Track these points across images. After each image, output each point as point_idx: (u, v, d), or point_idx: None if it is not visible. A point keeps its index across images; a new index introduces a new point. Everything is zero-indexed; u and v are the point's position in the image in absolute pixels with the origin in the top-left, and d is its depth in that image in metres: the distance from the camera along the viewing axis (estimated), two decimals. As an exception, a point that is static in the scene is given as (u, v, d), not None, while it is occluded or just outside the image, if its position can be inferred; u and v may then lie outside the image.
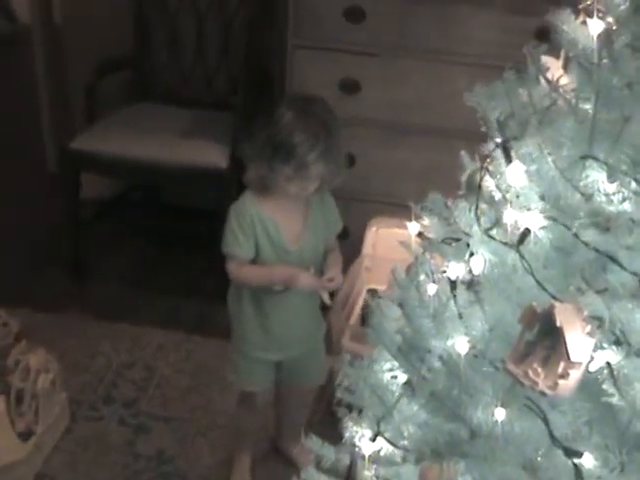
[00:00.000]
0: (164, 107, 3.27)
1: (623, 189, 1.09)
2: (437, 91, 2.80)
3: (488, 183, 1.15)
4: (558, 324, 1.01)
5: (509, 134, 1.12)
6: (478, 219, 1.14)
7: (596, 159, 1.10)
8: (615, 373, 0.99)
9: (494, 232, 1.15)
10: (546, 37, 2.74)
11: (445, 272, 1.26)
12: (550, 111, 1.13)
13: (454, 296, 1.24)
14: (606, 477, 1.04)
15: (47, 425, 2.50)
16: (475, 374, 1.13)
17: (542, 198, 1.12)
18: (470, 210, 1.17)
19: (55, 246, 3.43)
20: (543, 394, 1.03)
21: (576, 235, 1.09)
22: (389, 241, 2.99)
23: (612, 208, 1.10)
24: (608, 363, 0.99)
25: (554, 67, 1.32)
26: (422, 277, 1.27)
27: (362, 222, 2.98)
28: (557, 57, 1.34)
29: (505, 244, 1.12)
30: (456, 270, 1.24)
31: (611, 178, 1.10)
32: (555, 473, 1.07)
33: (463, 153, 1.33)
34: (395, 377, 1.37)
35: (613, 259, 1.07)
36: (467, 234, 1.17)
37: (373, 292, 2.88)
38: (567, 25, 1.24)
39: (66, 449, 2.53)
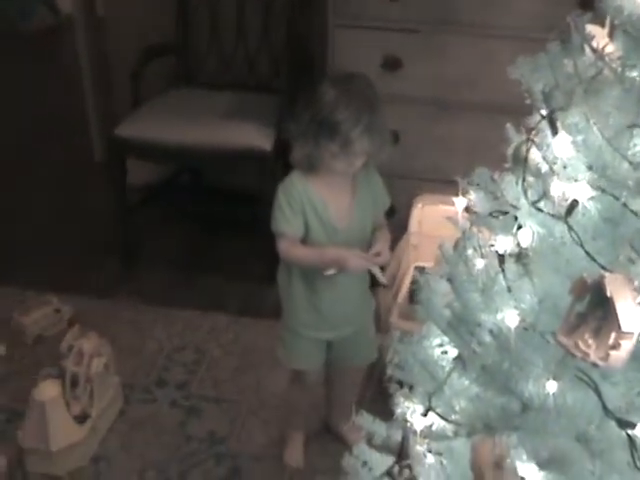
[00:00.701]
0: (207, 92, 3.28)
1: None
2: (480, 66, 2.78)
3: (534, 155, 1.14)
4: (608, 294, 1.00)
5: (554, 105, 1.11)
6: (525, 192, 1.14)
7: (642, 127, 1.08)
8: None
9: (542, 204, 1.14)
10: (590, 6, 2.70)
11: (493, 246, 1.26)
12: (596, 80, 1.11)
13: (502, 270, 1.24)
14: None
15: (101, 408, 2.55)
16: (525, 347, 1.13)
17: (589, 168, 1.10)
18: (517, 183, 1.16)
19: (104, 233, 3.48)
20: (595, 365, 1.02)
21: (625, 205, 1.08)
22: (435, 218, 2.98)
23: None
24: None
25: (599, 36, 1.29)
26: (470, 251, 1.26)
27: (408, 199, 2.97)
28: (602, 26, 1.32)
29: (553, 216, 1.11)
30: (504, 243, 1.24)
31: (660, 146, 1.08)
32: (608, 444, 1.07)
33: (509, 126, 1.32)
34: (445, 352, 1.37)
35: (663, 228, 1.06)
36: (514, 207, 1.16)
37: (420, 269, 2.87)
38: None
39: (120, 431, 2.58)
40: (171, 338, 2.95)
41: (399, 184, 3.02)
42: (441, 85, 2.85)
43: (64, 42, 5.07)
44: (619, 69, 1.11)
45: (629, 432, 1.05)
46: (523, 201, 1.15)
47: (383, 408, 2.66)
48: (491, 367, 1.16)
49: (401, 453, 1.32)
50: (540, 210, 1.12)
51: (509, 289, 1.20)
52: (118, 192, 3.19)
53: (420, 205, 3.01)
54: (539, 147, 1.12)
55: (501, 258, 1.24)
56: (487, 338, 1.17)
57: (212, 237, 3.48)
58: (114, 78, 3.67)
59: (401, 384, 1.58)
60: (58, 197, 3.85)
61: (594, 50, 1.10)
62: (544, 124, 1.12)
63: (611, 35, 1.27)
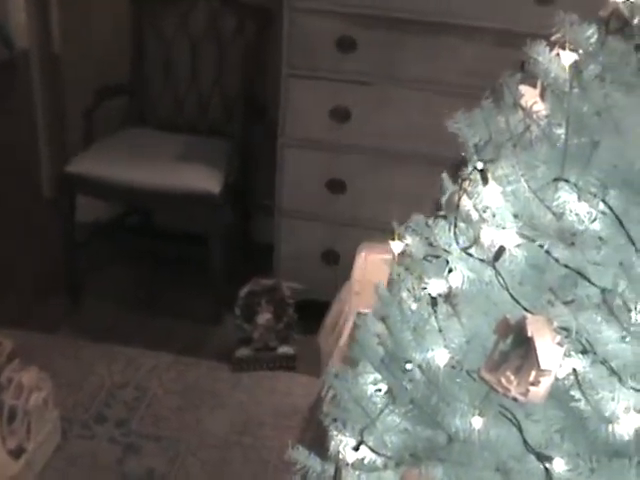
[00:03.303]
0: (159, 133, 3.34)
1: (592, 209, 1.16)
2: (426, 119, 2.88)
3: (466, 203, 1.22)
4: (529, 334, 1.08)
5: (485, 157, 1.19)
6: (456, 237, 1.21)
7: (567, 181, 1.17)
8: (580, 379, 1.05)
9: (472, 250, 1.22)
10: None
11: (425, 288, 1.33)
12: (525, 136, 1.20)
13: (435, 311, 1.31)
14: (566, 476, 1.10)
15: (38, 443, 2.54)
16: (453, 384, 1.19)
17: (517, 217, 1.18)
18: (449, 229, 1.24)
19: (51, 268, 3.48)
20: (515, 400, 1.09)
21: (548, 252, 1.16)
22: (378, 266, 3.05)
23: (582, 227, 1.16)
24: (574, 369, 1.05)
25: (530, 95, 1.39)
26: (404, 293, 1.33)
27: (352, 247, 3.03)
28: (534, 86, 1.42)
29: (482, 261, 1.18)
30: (436, 286, 1.31)
31: (581, 199, 1.17)
32: (528, 477, 1.13)
33: (444, 175, 1.40)
34: (379, 390, 1.42)
35: (582, 275, 1.14)
36: (446, 251, 1.24)
37: (362, 315, 2.94)
38: (542, 56, 1.32)
39: (57, 467, 2.57)
40: (112, 375, 2.96)
41: (344, 232, 3.11)
42: (387, 137, 2.95)
43: (18, 77, 5.10)
44: (546, 126, 1.20)
45: (547, 465, 1.12)
46: (454, 246, 1.22)
47: (321, 450, 2.71)
48: (419, 402, 1.22)
49: (333, 485, 1.36)
50: (470, 255, 1.20)
51: (440, 329, 1.27)
52: (66, 228, 3.21)
53: (363, 253, 3.07)
54: (470, 196, 1.20)
55: (433, 300, 1.32)
56: (416, 374, 1.23)
57: (159, 276, 3.51)
58: (68, 115, 3.70)
59: (336, 420, 1.63)
60: (4, 231, 3.84)
61: (523, 108, 1.18)
62: (475, 175, 1.19)
63: (542, 95, 1.37)
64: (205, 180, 3.06)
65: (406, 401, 1.23)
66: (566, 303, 1.07)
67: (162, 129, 3.35)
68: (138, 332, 3.18)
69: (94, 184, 3.07)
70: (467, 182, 1.21)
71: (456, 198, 1.23)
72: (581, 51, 1.23)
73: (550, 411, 1.19)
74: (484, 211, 1.19)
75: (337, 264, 3.16)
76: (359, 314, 2.93)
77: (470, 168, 1.23)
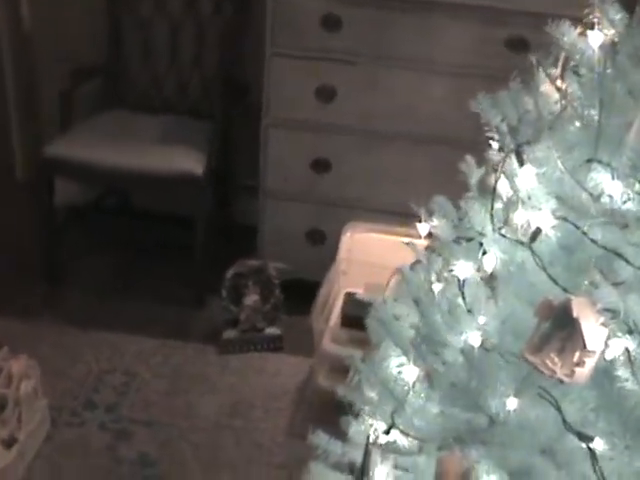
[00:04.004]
0: (138, 114, 3.28)
1: (627, 190, 1.16)
2: (413, 99, 2.88)
3: (500, 185, 1.22)
4: (575, 316, 1.08)
5: (521, 139, 1.19)
6: (492, 219, 1.21)
7: (600, 162, 1.17)
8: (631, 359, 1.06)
9: (505, 231, 1.22)
10: (518, 47, 2.84)
11: (452, 271, 1.33)
12: (559, 117, 1.20)
13: (462, 293, 1.31)
14: (617, 458, 1.11)
15: (29, 432, 2.50)
16: (490, 366, 1.19)
17: (552, 198, 1.18)
18: (484, 211, 1.23)
19: (30, 253, 3.41)
20: (561, 381, 1.09)
21: (584, 233, 1.16)
22: (364, 245, 3.06)
23: (617, 207, 1.17)
24: (627, 350, 1.05)
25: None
26: (433, 276, 1.32)
27: (338, 227, 3.03)
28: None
29: (519, 242, 1.18)
30: (465, 269, 1.31)
31: (614, 179, 1.17)
32: (570, 457, 1.14)
33: (469, 158, 1.39)
34: (401, 372, 1.42)
35: (620, 255, 1.14)
36: (481, 234, 1.23)
37: (350, 295, 2.94)
38: (567, 36, 1.32)
39: (48, 456, 2.53)
40: (99, 361, 2.92)
41: (330, 211, 3.10)
42: (373, 117, 2.94)
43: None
44: (579, 108, 1.20)
45: (589, 445, 1.13)
46: (489, 228, 1.22)
47: (313, 431, 2.71)
48: (458, 385, 1.22)
49: (364, 470, 1.36)
50: (505, 237, 1.20)
51: (470, 311, 1.27)
52: (45, 212, 3.15)
53: (349, 233, 3.07)
54: (506, 177, 1.19)
55: (460, 282, 1.31)
56: (456, 357, 1.23)
57: (139, 259, 3.45)
58: (41, 97, 3.62)
59: (351, 405, 1.63)
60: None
61: (559, 89, 1.18)
62: (511, 156, 1.19)
63: (562, 76, 1.37)
64: (188, 162, 3.02)
65: (443, 384, 1.23)
66: (613, 284, 1.08)
67: (141, 110, 3.29)
68: (121, 317, 3.13)
69: (74, 167, 3.01)
70: (503, 164, 1.20)
71: (490, 180, 1.22)
72: (612, 31, 1.23)
73: (585, 391, 1.19)
74: (519, 192, 1.19)
75: (323, 244, 3.15)
76: (348, 293, 2.94)
77: (505, 150, 1.22)
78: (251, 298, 3.00)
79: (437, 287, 1.31)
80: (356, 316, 2.77)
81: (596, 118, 1.19)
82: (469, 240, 1.27)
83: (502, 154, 1.23)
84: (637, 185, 1.16)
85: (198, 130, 3.18)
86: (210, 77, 3.28)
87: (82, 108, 3.26)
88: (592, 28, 1.28)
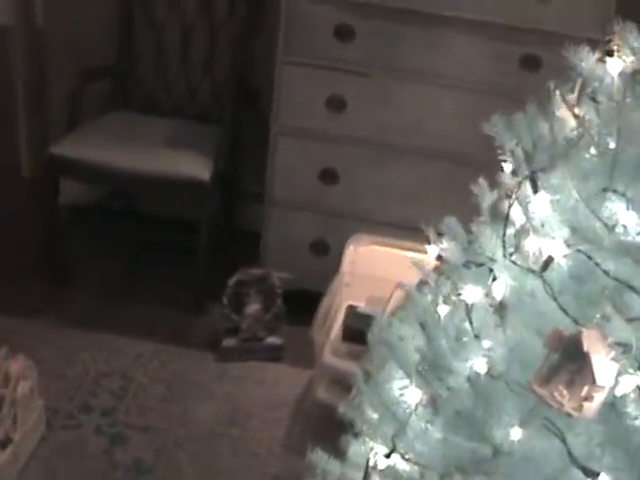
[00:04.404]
0: (147, 117, 3.26)
1: (642, 221, 1.14)
2: (424, 113, 2.86)
3: (513, 210, 1.20)
4: (585, 349, 1.06)
5: (536, 165, 1.17)
6: (504, 245, 1.19)
7: (615, 192, 1.16)
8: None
9: (515, 258, 1.20)
10: (531, 65, 2.82)
11: (460, 295, 1.31)
12: (575, 144, 1.18)
13: (469, 318, 1.29)
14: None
15: (24, 433, 2.47)
16: (496, 395, 1.17)
17: (565, 227, 1.16)
18: (496, 236, 1.21)
19: (32, 252, 3.40)
20: (569, 415, 1.07)
21: (597, 264, 1.14)
22: (368, 258, 3.04)
23: (631, 239, 1.15)
24: (638, 387, 1.03)
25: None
26: (440, 299, 1.31)
27: (343, 238, 3.01)
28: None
29: (530, 270, 1.16)
30: (473, 294, 1.29)
31: (629, 209, 1.15)
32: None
33: (481, 180, 1.37)
34: (403, 394, 1.40)
35: (632, 288, 1.12)
36: (492, 259, 1.21)
37: (352, 308, 2.92)
38: (586, 62, 1.30)
39: (43, 457, 2.51)
40: (97, 363, 2.89)
41: (335, 223, 3.09)
42: (383, 129, 2.92)
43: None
44: (596, 135, 1.18)
45: (594, 480, 1.11)
46: (500, 254, 1.20)
47: (310, 444, 2.69)
48: (463, 412, 1.20)
49: (361, 492, 1.34)
50: (517, 264, 1.18)
51: (477, 337, 1.25)
52: (49, 211, 3.13)
53: (354, 245, 3.05)
54: (520, 203, 1.17)
55: (468, 307, 1.30)
56: (461, 384, 1.21)
57: (144, 263, 3.42)
58: (50, 95, 3.60)
59: (351, 424, 1.61)
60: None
61: (576, 116, 1.16)
62: (525, 182, 1.17)
63: (578, 102, 1.35)
64: (195, 166, 3.00)
65: (449, 411, 1.21)
66: (628, 319, 1.06)
67: (149, 113, 3.28)
68: (122, 320, 3.11)
69: (80, 167, 2.99)
70: (517, 190, 1.18)
71: (503, 205, 1.21)
72: (632, 58, 1.21)
73: (591, 425, 1.17)
74: (532, 219, 1.17)
75: (326, 255, 3.13)
76: (350, 306, 2.92)
77: (520, 175, 1.20)
78: (253, 307, 2.98)
79: (444, 311, 1.29)
80: (358, 330, 2.76)
81: (612, 147, 1.17)
82: (479, 265, 1.25)
83: (516, 178, 1.21)
84: (652, 216, 1.14)
85: (206, 134, 3.16)
86: (221, 80, 3.26)
87: (90, 108, 3.25)
88: (611, 55, 1.27)
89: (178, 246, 3.33)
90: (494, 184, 1.47)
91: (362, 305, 2.89)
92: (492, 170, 2.99)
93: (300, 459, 2.66)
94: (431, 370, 1.26)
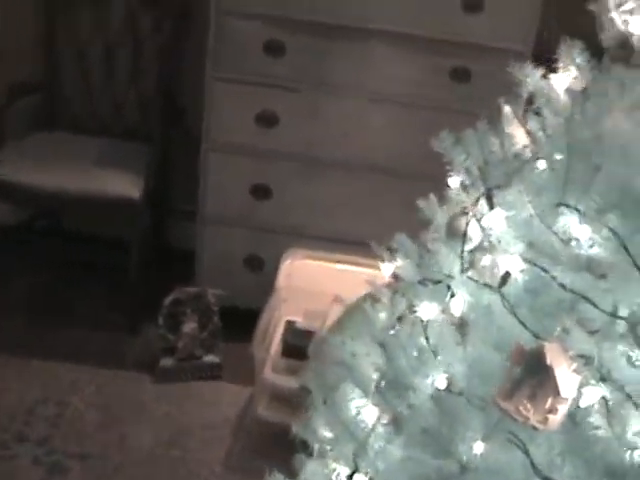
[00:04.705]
0: (74, 136, 3.19)
1: (594, 234, 1.17)
2: (352, 127, 2.88)
3: (469, 227, 1.21)
4: (548, 362, 1.08)
5: (491, 182, 1.19)
6: (463, 262, 1.20)
7: (568, 206, 1.18)
8: (603, 407, 1.06)
9: (472, 274, 1.21)
10: (461, 77, 2.87)
11: (416, 312, 1.32)
12: (528, 160, 1.20)
13: (427, 336, 1.30)
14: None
15: (-44, 466, 2.39)
16: (459, 411, 1.18)
17: (521, 242, 1.18)
18: (453, 253, 1.22)
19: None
20: (535, 428, 1.09)
21: (553, 277, 1.16)
22: (304, 272, 3.03)
23: (584, 252, 1.18)
24: (604, 398, 1.06)
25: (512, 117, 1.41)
26: (396, 318, 1.31)
27: (277, 253, 3.01)
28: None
29: (488, 286, 1.18)
30: (430, 310, 1.30)
31: (582, 223, 1.18)
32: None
33: (432, 197, 1.38)
34: (360, 413, 1.40)
35: (588, 300, 1.15)
36: (449, 276, 1.22)
37: (291, 323, 2.91)
38: (531, 78, 1.33)
39: (-24, 491, 2.44)
40: (30, 391, 2.81)
41: (269, 238, 3.07)
42: (315, 144, 2.92)
43: None
44: (547, 151, 1.20)
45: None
46: (457, 271, 1.22)
47: (251, 462, 2.67)
48: (428, 429, 1.20)
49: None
50: (475, 280, 1.19)
51: (434, 354, 1.26)
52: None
53: (289, 260, 3.04)
54: (476, 220, 1.19)
55: (425, 324, 1.31)
56: (422, 401, 1.21)
57: (72, 283, 3.33)
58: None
59: (305, 444, 1.60)
60: None
61: (529, 133, 1.19)
62: (481, 199, 1.19)
63: (524, 117, 1.38)
64: (124, 185, 2.96)
65: (413, 428, 1.22)
66: (590, 331, 1.08)
67: (76, 132, 3.21)
68: (53, 344, 3.02)
69: (8, 188, 2.92)
70: (473, 206, 1.20)
71: (459, 222, 1.22)
72: (576, 74, 1.24)
73: (552, 435, 1.19)
74: (489, 236, 1.19)
75: (261, 270, 3.11)
76: (289, 322, 2.91)
77: (475, 192, 1.22)
78: (189, 326, 2.94)
79: (402, 328, 1.30)
80: (297, 345, 2.76)
81: (562, 162, 1.20)
82: (436, 282, 1.26)
83: (471, 195, 1.23)
84: (604, 230, 1.16)
85: (134, 152, 3.11)
86: (147, 98, 3.21)
87: (17, 126, 3.16)
88: (556, 71, 1.30)
89: (108, 266, 3.26)
90: (442, 200, 1.49)
91: (300, 320, 2.87)
92: (422, 183, 3.03)
93: (241, 478, 2.66)
94: (391, 388, 1.26)
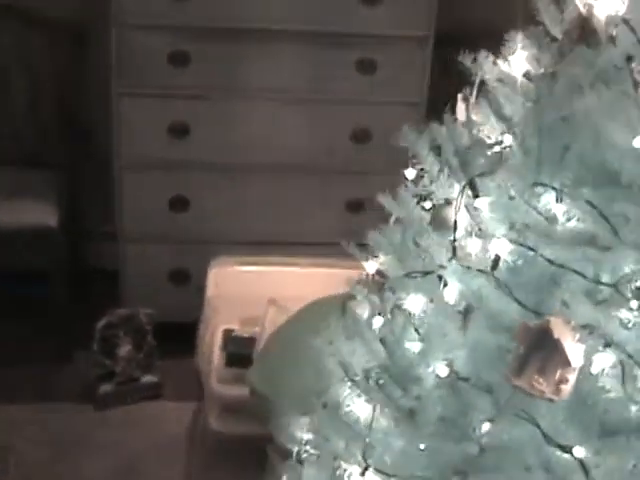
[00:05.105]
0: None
1: (573, 209, 1.23)
2: (267, 129, 2.89)
3: (452, 216, 1.25)
4: (556, 336, 1.13)
5: (472, 170, 1.23)
6: (454, 251, 1.24)
7: (544, 185, 1.23)
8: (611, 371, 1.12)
9: (463, 262, 1.25)
10: (367, 68, 2.92)
11: (402, 305, 1.35)
12: (499, 146, 1.25)
13: (415, 327, 1.33)
14: (591, 461, 1.17)
15: None
16: (467, 395, 1.22)
17: (506, 224, 1.23)
18: (441, 244, 1.26)
19: None
20: (551, 400, 1.14)
21: (541, 255, 1.21)
22: (232, 279, 3.02)
23: (562, 227, 1.23)
24: (621, 362, 1.11)
25: (460, 105, 1.46)
26: (389, 313, 1.34)
27: (202, 263, 2.98)
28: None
29: (481, 271, 1.22)
30: (417, 303, 1.33)
31: (558, 200, 1.24)
32: (561, 469, 1.18)
33: (404, 189, 1.41)
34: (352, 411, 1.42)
35: (576, 272, 1.20)
36: (441, 266, 1.26)
37: (229, 332, 2.89)
38: (485, 65, 1.38)
39: None
40: (-33, 438, 2.70)
41: (192, 249, 3.04)
42: (229, 150, 2.92)
43: None
44: (520, 137, 1.25)
45: (573, 454, 1.18)
46: (447, 260, 1.25)
47: (211, 475, 2.65)
48: (442, 417, 1.24)
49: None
50: (468, 267, 1.23)
51: (431, 344, 1.30)
52: None
53: (215, 268, 3.02)
54: (461, 209, 1.23)
55: (416, 316, 1.34)
56: (429, 391, 1.25)
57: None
58: None
59: (286, 454, 1.62)
60: None
61: (505, 119, 1.23)
62: (465, 188, 1.23)
63: (476, 104, 1.43)
64: (39, 214, 2.88)
65: (427, 419, 1.25)
66: (597, 302, 1.13)
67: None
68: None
69: None
70: (461, 196, 1.23)
71: (444, 212, 1.25)
72: (534, 58, 1.29)
73: (552, 405, 1.24)
74: (476, 222, 1.23)
75: (188, 282, 3.08)
76: (226, 330, 2.89)
77: (459, 182, 1.25)
78: (124, 349, 2.89)
79: (395, 322, 1.33)
80: (239, 354, 2.75)
81: (534, 144, 1.25)
82: (426, 274, 1.29)
83: (455, 185, 1.27)
84: (581, 203, 1.22)
85: (42, 179, 3.03)
86: (47, 122, 3.12)
87: None
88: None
89: (25, 297, 3.14)
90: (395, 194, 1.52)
91: (237, 327, 2.86)
92: (343, 177, 3.06)
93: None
94: (393, 382, 1.29)
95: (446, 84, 3.15)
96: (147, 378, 2.96)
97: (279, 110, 2.87)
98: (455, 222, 1.22)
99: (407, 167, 3.02)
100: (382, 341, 1.31)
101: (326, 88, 2.84)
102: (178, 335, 2.98)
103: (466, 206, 1.23)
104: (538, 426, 1.21)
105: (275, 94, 2.85)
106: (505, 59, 1.36)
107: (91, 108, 3.10)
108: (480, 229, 1.22)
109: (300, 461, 1.59)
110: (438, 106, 3.11)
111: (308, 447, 1.57)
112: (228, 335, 2.85)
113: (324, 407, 1.41)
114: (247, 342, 2.76)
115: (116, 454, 2.70)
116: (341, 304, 2.27)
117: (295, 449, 1.63)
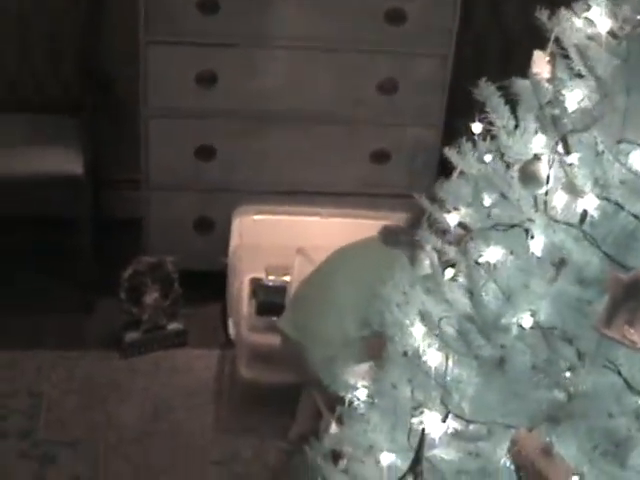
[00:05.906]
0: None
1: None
2: (296, 78, 2.87)
3: (543, 171, 1.27)
4: (650, 285, 1.16)
5: (564, 128, 1.25)
6: (546, 205, 1.26)
7: (631, 142, 1.26)
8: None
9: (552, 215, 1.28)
10: (396, 19, 2.90)
11: (481, 257, 1.38)
12: (589, 103, 1.26)
13: (494, 279, 1.36)
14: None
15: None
16: (554, 345, 1.26)
17: (593, 179, 1.25)
18: (531, 197, 1.28)
19: None
20: (643, 351, 1.18)
21: (629, 212, 1.24)
22: (257, 228, 3.04)
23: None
24: None
25: (541, 61, 1.47)
26: (471, 263, 1.36)
27: (227, 212, 3.00)
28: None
29: (570, 225, 1.24)
30: (494, 254, 1.36)
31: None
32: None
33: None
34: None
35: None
36: (529, 219, 1.28)
37: (257, 281, 2.91)
38: (565, 23, 1.39)
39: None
40: (-3, 384, 2.71)
41: (218, 197, 3.05)
42: (257, 98, 2.90)
43: None
44: (608, 95, 1.27)
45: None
46: (535, 213, 1.28)
47: (241, 422, 2.69)
48: (532, 365, 1.27)
49: (418, 458, 1.39)
50: (556, 221, 1.25)
51: (516, 295, 1.32)
52: None
53: (240, 217, 3.04)
54: (555, 164, 1.25)
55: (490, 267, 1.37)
56: (514, 341, 1.28)
57: (15, 269, 3.18)
58: None
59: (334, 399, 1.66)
60: None
61: (598, 78, 1.24)
62: (558, 144, 1.25)
63: (552, 61, 1.44)
64: (64, 161, 2.86)
65: (515, 367, 1.28)
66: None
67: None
68: (7, 333, 2.91)
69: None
70: (554, 151, 1.25)
71: (535, 166, 1.27)
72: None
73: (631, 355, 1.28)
74: (565, 177, 1.25)
75: (212, 231, 3.09)
76: (253, 280, 2.91)
77: (552, 138, 1.27)
78: (152, 296, 2.90)
79: (475, 274, 1.35)
80: (270, 302, 2.78)
81: (622, 101, 1.26)
82: (512, 226, 1.32)
83: (547, 140, 1.28)
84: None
85: (67, 126, 3.00)
86: (72, 70, 3.08)
87: None
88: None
89: (51, 245, 3.14)
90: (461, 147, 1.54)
91: (263, 276, 2.88)
92: (368, 127, 3.05)
93: (234, 439, 2.69)
94: (477, 332, 1.32)
95: (471, 37, 3.16)
96: (173, 326, 2.98)
97: (307, 59, 2.85)
98: (548, 176, 1.25)
99: (432, 119, 3.01)
100: (467, 291, 1.34)
101: (354, 38, 2.82)
102: (200, 282, 3.01)
103: (558, 161, 1.25)
104: (620, 374, 1.25)
105: (303, 42, 2.82)
106: (578, 15, 1.37)
107: (115, 56, 3.06)
108: (570, 184, 1.24)
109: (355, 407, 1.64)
110: (465, 59, 3.09)
111: (365, 394, 1.62)
112: (257, 284, 2.87)
113: (404, 355, 1.44)
114: (277, 290, 2.79)
115: (145, 401, 2.74)
116: (379, 251, 2.30)
117: (349, 395, 1.68)
